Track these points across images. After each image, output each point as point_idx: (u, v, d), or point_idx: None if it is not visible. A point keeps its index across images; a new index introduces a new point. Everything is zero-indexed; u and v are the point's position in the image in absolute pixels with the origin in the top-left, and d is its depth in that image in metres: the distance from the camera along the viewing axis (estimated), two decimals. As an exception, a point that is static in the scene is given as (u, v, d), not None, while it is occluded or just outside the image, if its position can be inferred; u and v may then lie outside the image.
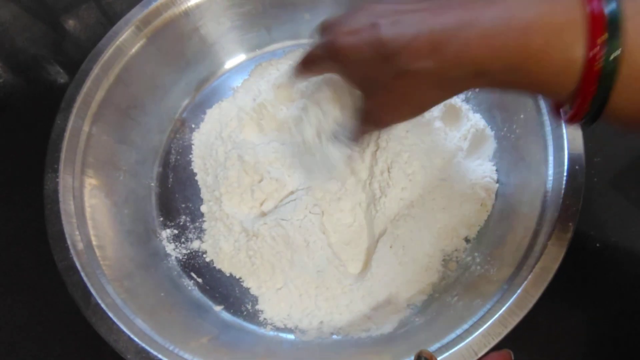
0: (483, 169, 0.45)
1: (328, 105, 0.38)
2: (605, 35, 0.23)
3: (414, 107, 0.31)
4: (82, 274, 0.37)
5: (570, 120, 0.27)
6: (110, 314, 0.36)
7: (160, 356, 0.34)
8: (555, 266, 0.34)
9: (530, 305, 0.33)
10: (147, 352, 0.34)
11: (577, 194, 0.36)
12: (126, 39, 0.48)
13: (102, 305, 0.36)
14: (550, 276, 0.33)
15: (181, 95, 0.55)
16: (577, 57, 0.24)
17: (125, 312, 0.37)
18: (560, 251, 0.34)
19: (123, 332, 0.35)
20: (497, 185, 0.45)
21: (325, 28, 0.33)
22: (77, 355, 0.43)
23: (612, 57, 0.23)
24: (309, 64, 0.35)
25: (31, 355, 0.44)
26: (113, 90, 0.47)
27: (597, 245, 0.43)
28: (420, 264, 0.42)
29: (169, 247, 0.47)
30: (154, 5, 0.49)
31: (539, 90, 0.28)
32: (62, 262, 0.38)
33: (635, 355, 0.39)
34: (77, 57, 0.49)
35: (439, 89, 0.29)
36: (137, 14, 0.49)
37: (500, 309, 0.33)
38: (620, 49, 0.23)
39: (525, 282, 0.34)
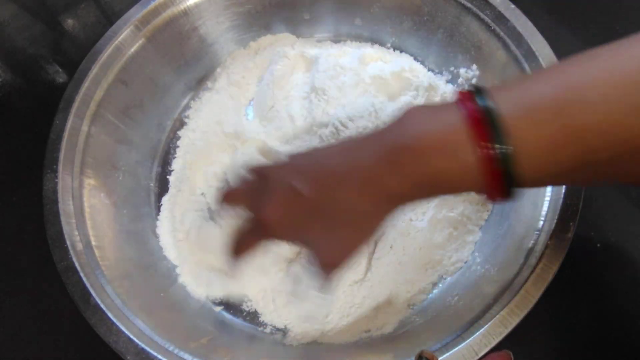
0: None
1: None
2: (489, 136, 0.24)
3: (359, 239, 0.31)
4: (82, 274, 0.37)
5: (495, 201, 0.29)
6: (110, 315, 0.36)
7: (160, 356, 0.34)
8: (555, 266, 0.34)
9: (530, 305, 0.33)
10: (147, 353, 0.34)
11: (578, 193, 0.36)
12: (125, 39, 0.48)
13: (102, 306, 0.36)
14: (550, 276, 0.33)
15: (180, 94, 0.55)
16: (472, 163, 0.25)
17: (125, 313, 0.37)
18: (560, 251, 0.34)
19: (123, 332, 0.35)
20: None
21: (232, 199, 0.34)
22: (76, 355, 0.43)
23: (502, 157, 0.24)
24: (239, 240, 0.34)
25: (31, 355, 0.43)
26: (112, 90, 0.47)
27: (597, 245, 0.43)
28: (420, 263, 0.42)
29: (169, 247, 0.47)
30: (153, 4, 0.49)
31: (454, 192, 0.29)
32: (61, 262, 0.37)
33: (635, 355, 0.39)
34: (76, 56, 0.48)
35: (374, 218, 0.29)
36: (136, 14, 0.48)
37: (501, 309, 0.33)
38: (510, 147, 0.24)
39: (526, 282, 0.34)
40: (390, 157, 0.27)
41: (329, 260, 0.31)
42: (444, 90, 0.51)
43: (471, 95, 0.26)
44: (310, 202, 0.29)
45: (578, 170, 0.24)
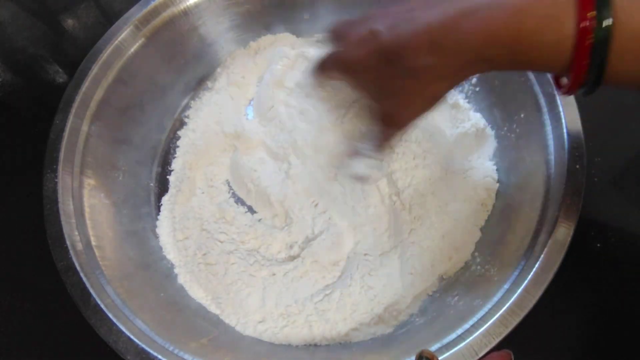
0: (484, 169, 0.45)
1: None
2: (594, 11, 0.24)
3: (426, 100, 0.32)
4: (82, 274, 0.37)
5: (568, 92, 0.28)
6: (110, 315, 0.36)
7: (160, 357, 0.34)
8: (555, 266, 0.34)
9: (530, 305, 0.33)
10: (147, 353, 0.34)
11: (578, 193, 0.36)
12: (125, 39, 0.48)
13: (102, 306, 0.36)
14: (550, 276, 0.33)
15: (180, 94, 0.55)
16: (569, 34, 0.25)
17: (125, 313, 0.37)
18: (560, 251, 0.34)
19: (123, 332, 0.35)
20: (498, 184, 0.45)
21: (332, 37, 0.34)
22: (76, 356, 0.43)
23: (603, 27, 0.24)
24: (323, 72, 0.36)
25: (31, 355, 0.44)
26: (112, 89, 0.47)
27: (597, 245, 0.43)
28: (423, 263, 0.42)
29: (169, 247, 0.47)
30: (152, 4, 0.49)
31: (537, 68, 0.29)
32: (61, 262, 0.37)
33: (635, 355, 0.39)
34: (76, 56, 0.48)
35: (445, 80, 0.30)
36: (136, 14, 0.48)
37: (501, 309, 0.33)
38: (611, 19, 0.24)
39: (526, 282, 0.33)
40: (478, 11, 0.26)
41: (392, 117, 0.32)
42: None
43: None
44: (386, 47, 0.29)
45: None
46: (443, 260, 0.42)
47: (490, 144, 0.47)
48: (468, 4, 0.27)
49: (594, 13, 0.24)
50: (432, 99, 0.32)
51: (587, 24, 0.24)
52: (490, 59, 0.28)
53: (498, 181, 0.45)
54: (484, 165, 0.46)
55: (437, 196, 0.44)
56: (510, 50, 0.27)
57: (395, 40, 0.29)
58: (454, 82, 0.31)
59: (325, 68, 0.35)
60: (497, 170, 0.45)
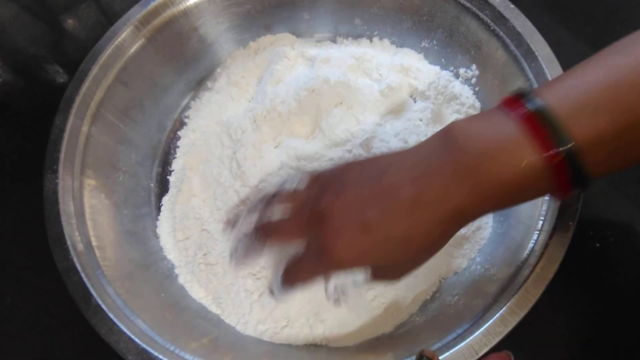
0: None
1: None
2: (549, 136, 0.24)
3: (420, 257, 0.30)
4: (83, 274, 0.37)
5: (565, 197, 0.28)
6: (111, 315, 0.36)
7: (161, 357, 0.34)
8: (555, 265, 0.34)
9: (530, 304, 0.33)
10: (148, 353, 0.34)
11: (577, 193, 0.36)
12: (125, 39, 0.48)
13: (103, 306, 0.36)
14: (550, 275, 0.33)
15: (180, 95, 0.55)
16: (539, 166, 0.25)
17: (126, 313, 0.37)
18: (560, 250, 0.34)
19: (124, 333, 0.35)
20: None
21: (310, 203, 0.30)
22: (77, 356, 0.43)
23: (567, 147, 0.24)
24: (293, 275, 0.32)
25: (32, 356, 0.44)
26: (112, 90, 0.47)
27: (597, 245, 0.43)
28: (426, 265, 0.42)
29: (169, 248, 0.47)
30: (152, 5, 0.49)
31: (526, 200, 0.29)
32: (62, 263, 0.38)
33: (635, 355, 0.39)
34: (77, 56, 0.48)
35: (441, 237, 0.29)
36: (136, 14, 0.48)
37: (501, 308, 0.33)
38: (572, 143, 0.24)
39: (526, 282, 0.34)
40: (454, 172, 0.26)
41: (386, 279, 0.31)
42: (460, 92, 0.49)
43: (517, 99, 0.26)
44: (379, 234, 0.27)
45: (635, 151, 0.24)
46: (446, 262, 0.42)
47: None
48: (431, 179, 0.26)
49: (548, 135, 0.24)
50: (427, 257, 0.30)
51: (551, 152, 0.24)
52: (481, 211, 0.28)
53: None
54: None
55: None
56: (488, 201, 0.26)
57: (391, 222, 0.27)
58: (447, 239, 0.29)
59: (301, 267, 0.31)
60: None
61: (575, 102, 0.24)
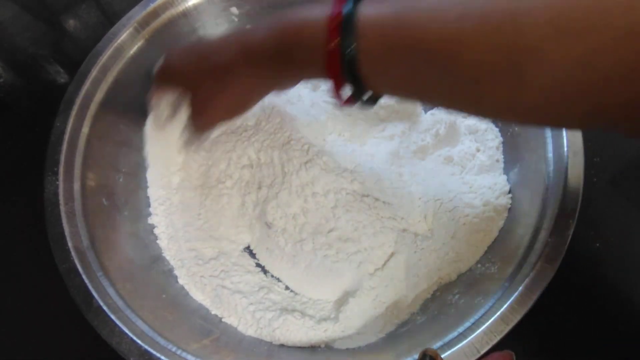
0: (495, 187, 0.44)
1: None
2: (339, 36, 0.27)
3: (231, 105, 0.38)
4: (84, 276, 0.37)
5: (347, 102, 0.31)
6: (113, 316, 0.36)
7: (162, 358, 0.34)
8: (556, 263, 0.34)
9: (531, 302, 0.33)
10: (150, 354, 0.34)
11: (577, 191, 0.36)
12: (125, 40, 0.48)
13: (104, 308, 0.36)
14: (551, 273, 0.34)
15: (180, 95, 0.55)
16: (321, 49, 0.28)
17: (128, 314, 0.37)
18: (561, 248, 0.34)
19: (125, 334, 0.35)
20: (510, 201, 0.42)
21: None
22: (79, 358, 0.43)
23: (348, 50, 0.27)
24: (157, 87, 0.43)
25: (32, 357, 0.44)
26: (112, 91, 0.47)
27: (597, 245, 0.43)
28: (429, 267, 0.42)
29: (170, 248, 0.47)
30: (152, 6, 0.49)
31: (304, 70, 0.32)
32: (63, 264, 0.38)
33: (635, 355, 0.39)
34: (77, 56, 0.48)
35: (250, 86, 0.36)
36: (135, 15, 0.48)
37: (502, 307, 0.33)
38: (354, 44, 0.27)
39: (527, 280, 0.34)
40: (270, 29, 0.32)
41: (201, 114, 0.39)
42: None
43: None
44: (202, 56, 0.37)
45: (418, 78, 0.26)
46: (450, 264, 0.43)
47: (499, 159, 0.46)
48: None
49: (338, 37, 0.27)
50: (236, 105, 0.37)
51: (332, 44, 0.27)
52: (275, 69, 0.33)
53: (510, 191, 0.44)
54: (496, 181, 0.44)
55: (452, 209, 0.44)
56: (280, 51, 0.31)
57: (208, 41, 0.37)
58: (259, 92, 0.36)
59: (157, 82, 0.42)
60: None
61: (377, 13, 0.26)
